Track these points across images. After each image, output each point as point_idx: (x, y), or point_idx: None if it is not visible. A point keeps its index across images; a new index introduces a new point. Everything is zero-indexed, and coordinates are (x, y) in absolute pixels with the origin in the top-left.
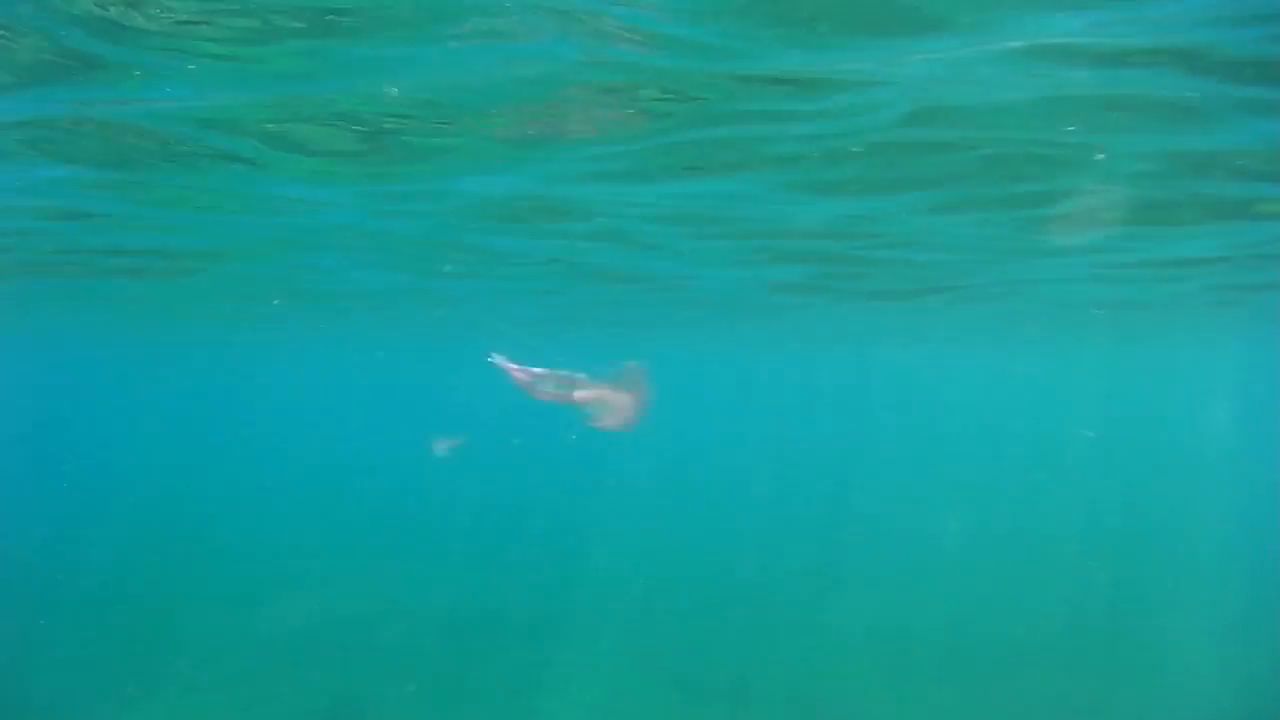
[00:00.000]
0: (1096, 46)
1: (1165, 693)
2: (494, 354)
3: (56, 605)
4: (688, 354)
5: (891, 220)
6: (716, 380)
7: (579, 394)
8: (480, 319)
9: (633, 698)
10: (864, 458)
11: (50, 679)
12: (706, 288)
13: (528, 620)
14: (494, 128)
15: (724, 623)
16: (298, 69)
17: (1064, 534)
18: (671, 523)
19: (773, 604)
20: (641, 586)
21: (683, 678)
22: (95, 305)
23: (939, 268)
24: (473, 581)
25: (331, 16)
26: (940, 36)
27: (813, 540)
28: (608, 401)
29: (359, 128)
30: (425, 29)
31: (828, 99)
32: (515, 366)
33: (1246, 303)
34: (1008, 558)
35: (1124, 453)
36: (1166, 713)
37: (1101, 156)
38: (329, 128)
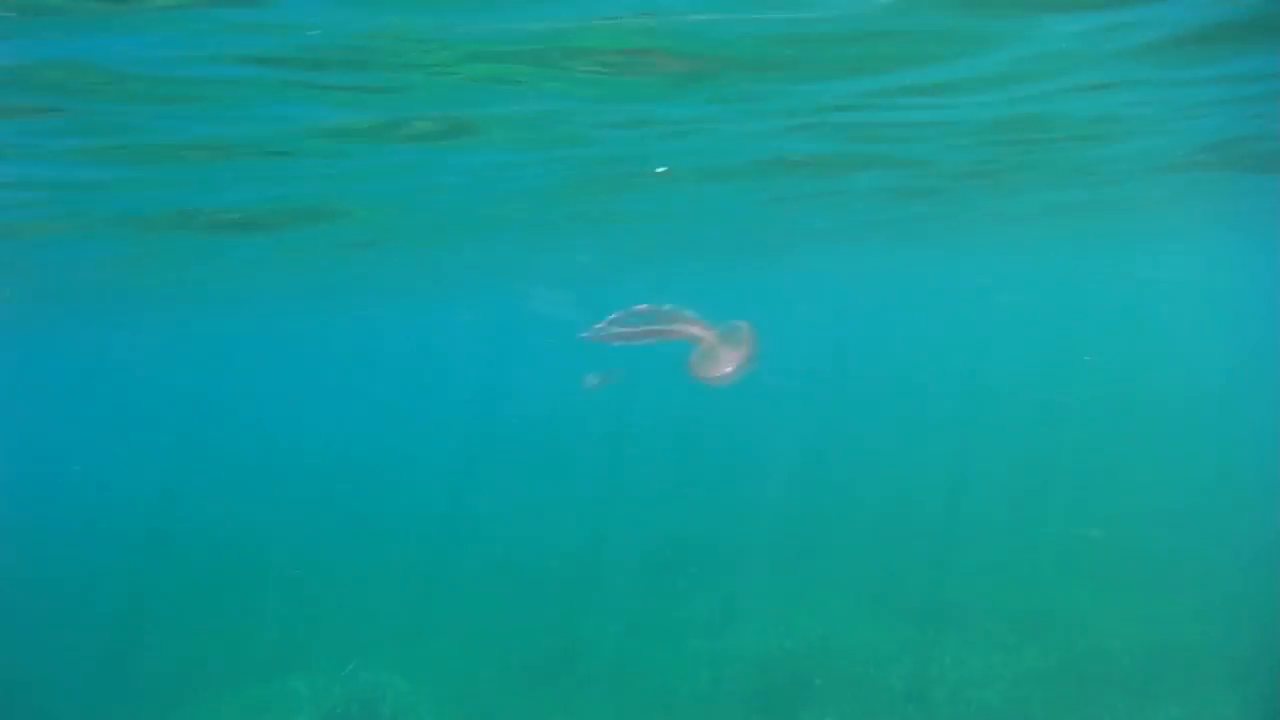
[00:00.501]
0: None
1: None
2: (585, 331)
3: (288, 558)
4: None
5: None
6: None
7: (687, 328)
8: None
9: (840, 620)
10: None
11: (300, 624)
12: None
13: (722, 550)
14: None
15: (913, 542)
16: None
17: None
18: (840, 445)
19: (957, 518)
20: (826, 509)
21: (883, 597)
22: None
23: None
24: (665, 515)
25: None
26: None
27: (985, 453)
28: (713, 346)
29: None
30: None
31: None
32: (607, 323)
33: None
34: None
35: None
36: None
37: None
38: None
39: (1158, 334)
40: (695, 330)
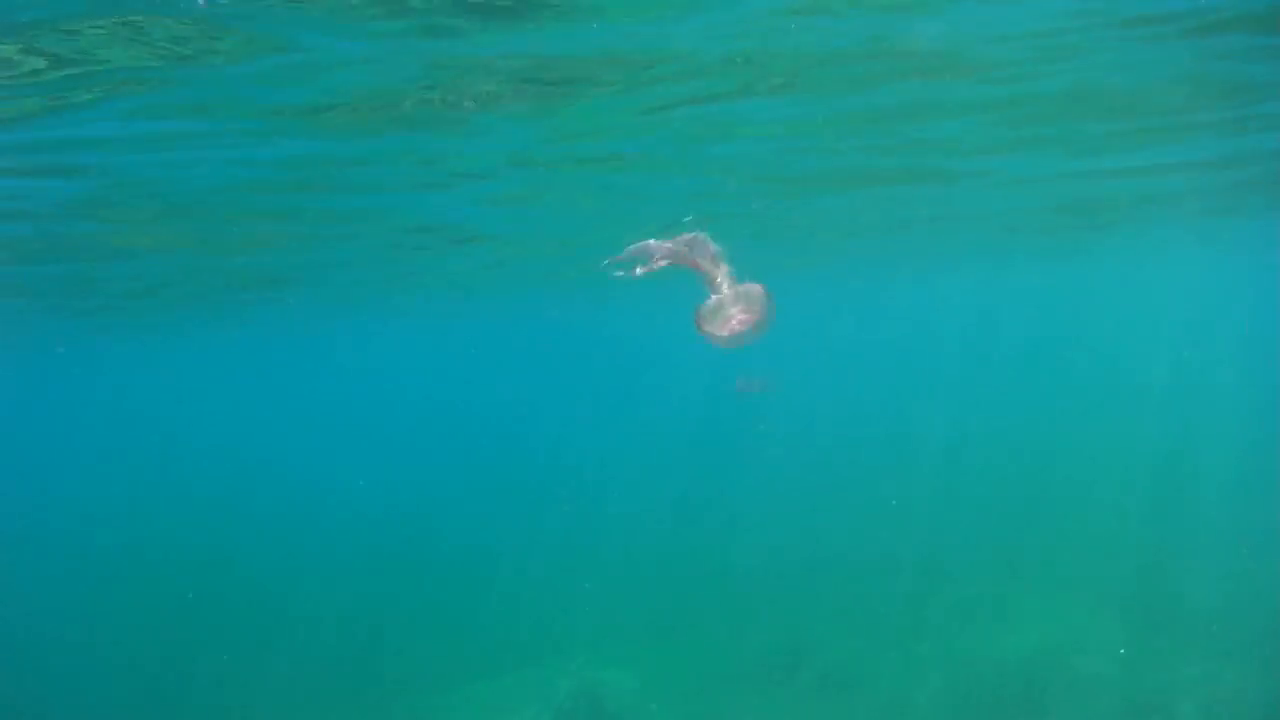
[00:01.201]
0: None
1: None
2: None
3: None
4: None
5: None
6: None
7: (712, 269)
8: None
9: (1076, 625)
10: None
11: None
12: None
13: (953, 553)
14: None
15: (1145, 544)
16: None
17: None
18: (1064, 448)
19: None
20: (1056, 510)
21: (1120, 601)
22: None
23: None
24: (896, 518)
25: None
26: None
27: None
28: (725, 302)
29: None
30: None
31: None
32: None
33: None
34: None
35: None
36: None
37: None
38: None
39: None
40: (718, 276)
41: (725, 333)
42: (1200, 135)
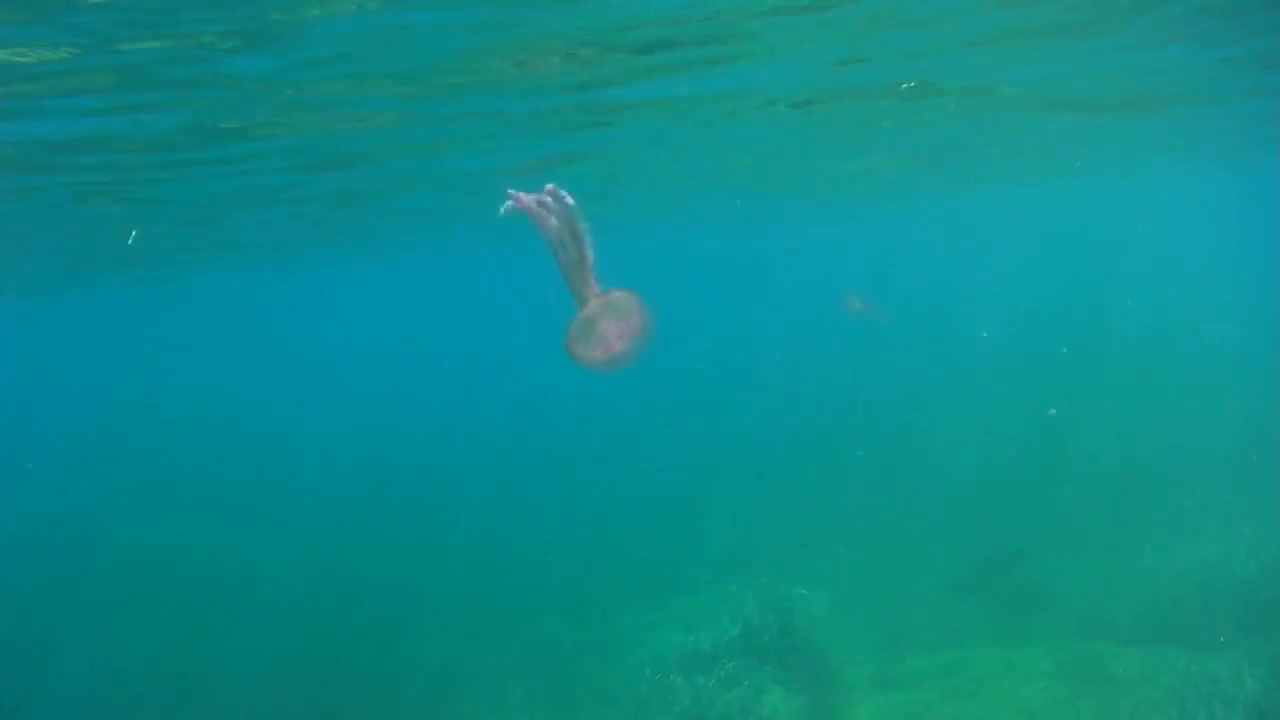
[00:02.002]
0: None
1: None
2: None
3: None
4: None
5: None
6: None
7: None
8: None
9: None
10: None
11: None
12: None
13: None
14: None
15: None
16: None
17: None
18: None
19: None
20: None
21: None
22: None
23: None
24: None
25: None
26: None
27: None
28: (595, 315)
29: None
30: None
31: None
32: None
33: None
34: None
35: None
36: None
37: None
38: None
39: None
40: (581, 267)
41: (601, 355)
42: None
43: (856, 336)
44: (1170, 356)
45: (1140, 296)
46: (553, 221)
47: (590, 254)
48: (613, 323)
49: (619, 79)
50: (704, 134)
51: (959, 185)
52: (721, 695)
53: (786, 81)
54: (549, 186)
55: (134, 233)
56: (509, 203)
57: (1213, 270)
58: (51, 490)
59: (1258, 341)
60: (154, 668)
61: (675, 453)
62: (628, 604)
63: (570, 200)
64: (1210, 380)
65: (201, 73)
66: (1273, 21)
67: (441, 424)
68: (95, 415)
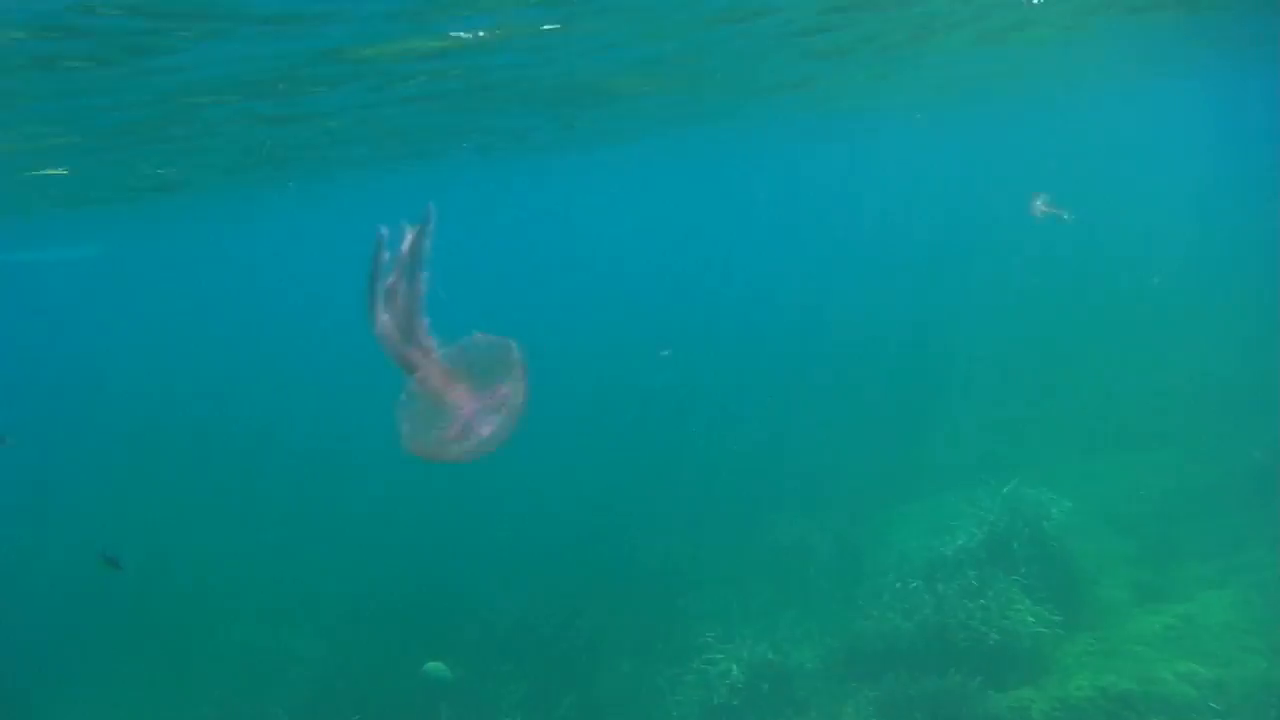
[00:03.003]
0: None
1: None
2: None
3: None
4: None
5: None
6: None
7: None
8: None
9: None
10: None
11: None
12: None
13: None
14: None
15: None
16: None
17: None
18: None
19: None
20: None
21: None
22: None
23: None
24: None
25: None
26: None
27: None
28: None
29: None
30: None
31: None
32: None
33: None
34: None
35: None
36: None
37: None
38: None
39: None
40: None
41: (456, 445)
42: None
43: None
44: None
45: None
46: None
47: (422, 291)
48: (469, 393)
49: None
50: None
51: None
52: (964, 604)
53: None
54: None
55: None
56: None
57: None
58: None
59: None
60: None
61: (919, 352)
62: (870, 507)
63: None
64: None
65: None
66: None
67: (673, 323)
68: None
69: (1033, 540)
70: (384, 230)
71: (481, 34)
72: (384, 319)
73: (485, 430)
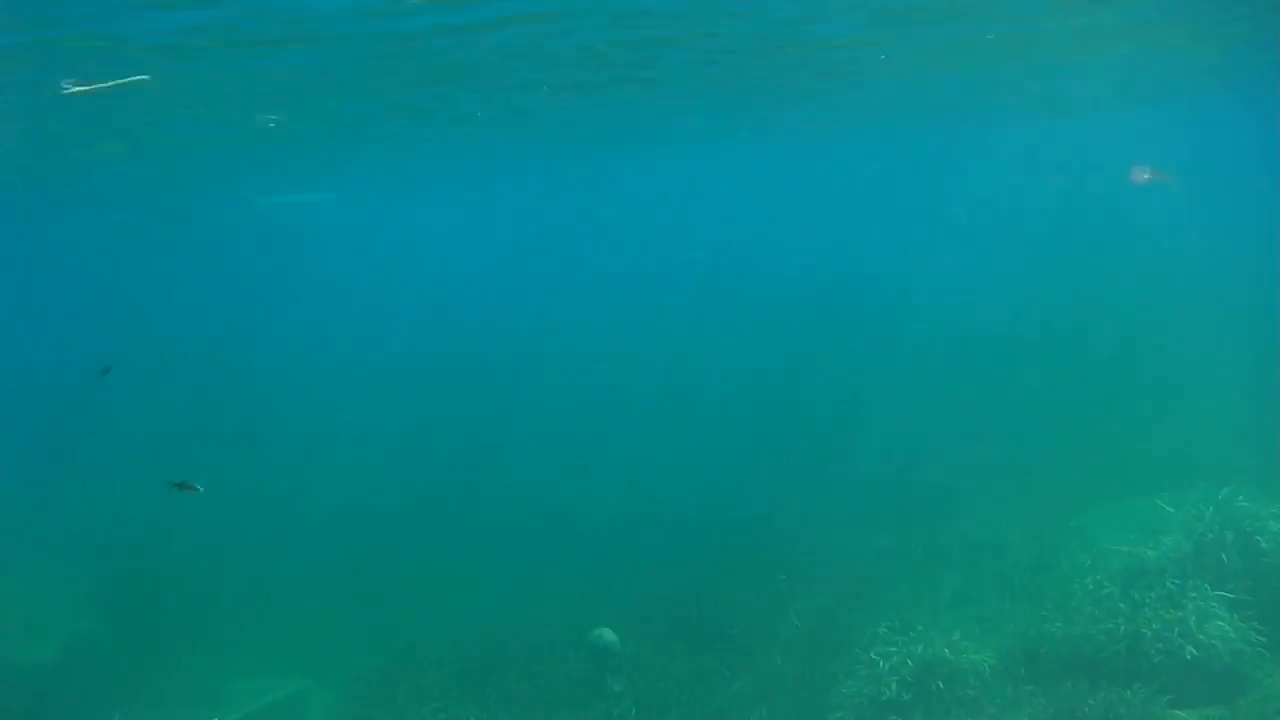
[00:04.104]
0: None
1: None
2: None
3: None
4: None
5: None
6: None
7: None
8: None
9: None
10: None
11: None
12: None
13: None
14: None
15: None
16: None
17: None
18: None
19: None
20: None
21: None
22: None
23: None
24: None
25: None
26: None
27: None
28: None
29: None
30: None
31: None
32: None
33: None
34: None
35: None
36: None
37: None
38: None
39: None
40: None
41: None
42: None
43: None
44: None
45: None
46: None
47: None
48: None
49: None
50: None
51: None
52: (1160, 615)
53: None
54: None
55: None
56: None
57: None
58: None
59: None
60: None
61: (1122, 347)
62: (1070, 505)
63: None
64: None
65: None
66: None
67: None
68: None
69: (1244, 553)
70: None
71: None
72: None
73: None
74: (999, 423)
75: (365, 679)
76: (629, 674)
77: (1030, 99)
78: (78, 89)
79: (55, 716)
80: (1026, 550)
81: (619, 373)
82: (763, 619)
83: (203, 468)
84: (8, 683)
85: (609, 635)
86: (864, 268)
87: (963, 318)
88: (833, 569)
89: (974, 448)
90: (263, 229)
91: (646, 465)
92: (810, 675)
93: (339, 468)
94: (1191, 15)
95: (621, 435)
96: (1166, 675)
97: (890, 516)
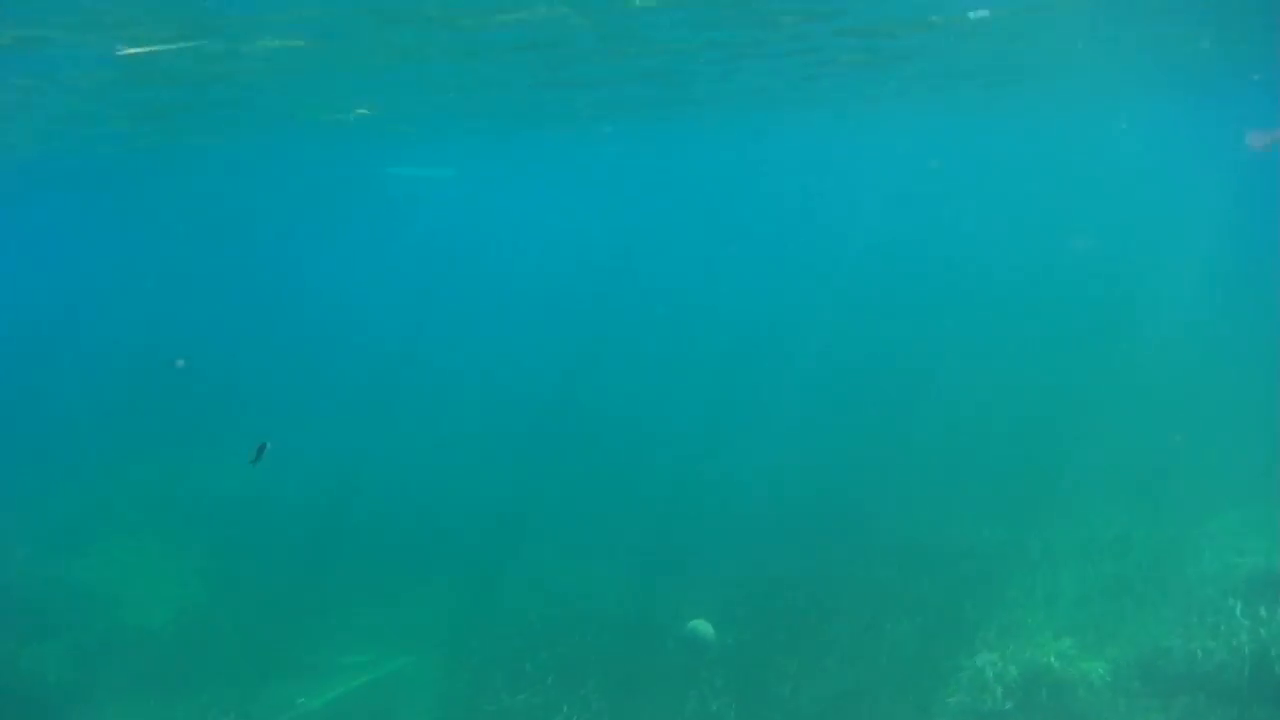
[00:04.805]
0: None
1: None
2: None
3: None
4: None
5: None
6: None
7: None
8: None
9: None
10: None
11: None
12: None
13: None
14: None
15: None
16: None
17: None
18: None
19: None
20: None
21: None
22: None
23: None
24: None
25: None
26: None
27: None
28: None
29: None
30: None
31: None
32: None
33: None
34: None
35: None
36: None
37: None
38: None
39: None
40: None
41: None
42: None
43: None
44: None
45: None
46: None
47: None
48: None
49: None
50: None
51: None
52: None
53: None
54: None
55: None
56: None
57: None
58: None
59: None
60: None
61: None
62: (1201, 507)
63: None
64: None
65: None
66: None
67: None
68: None
69: None
70: None
71: None
72: None
73: None
74: (1134, 413)
75: (465, 662)
76: (727, 667)
77: None
78: None
79: (167, 683)
80: (1150, 552)
81: (731, 356)
82: (868, 615)
83: (322, 439)
84: (127, 646)
85: (705, 628)
86: (998, 255)
87: (1108, 300)
88: (944, 563)
89: (1103, 439)
90: (384, 201)
91: (756, 450)
92: (915, 677)
93: (458, 444)
94: None
95: (732, 420)
96: None
97: (1008, 509)
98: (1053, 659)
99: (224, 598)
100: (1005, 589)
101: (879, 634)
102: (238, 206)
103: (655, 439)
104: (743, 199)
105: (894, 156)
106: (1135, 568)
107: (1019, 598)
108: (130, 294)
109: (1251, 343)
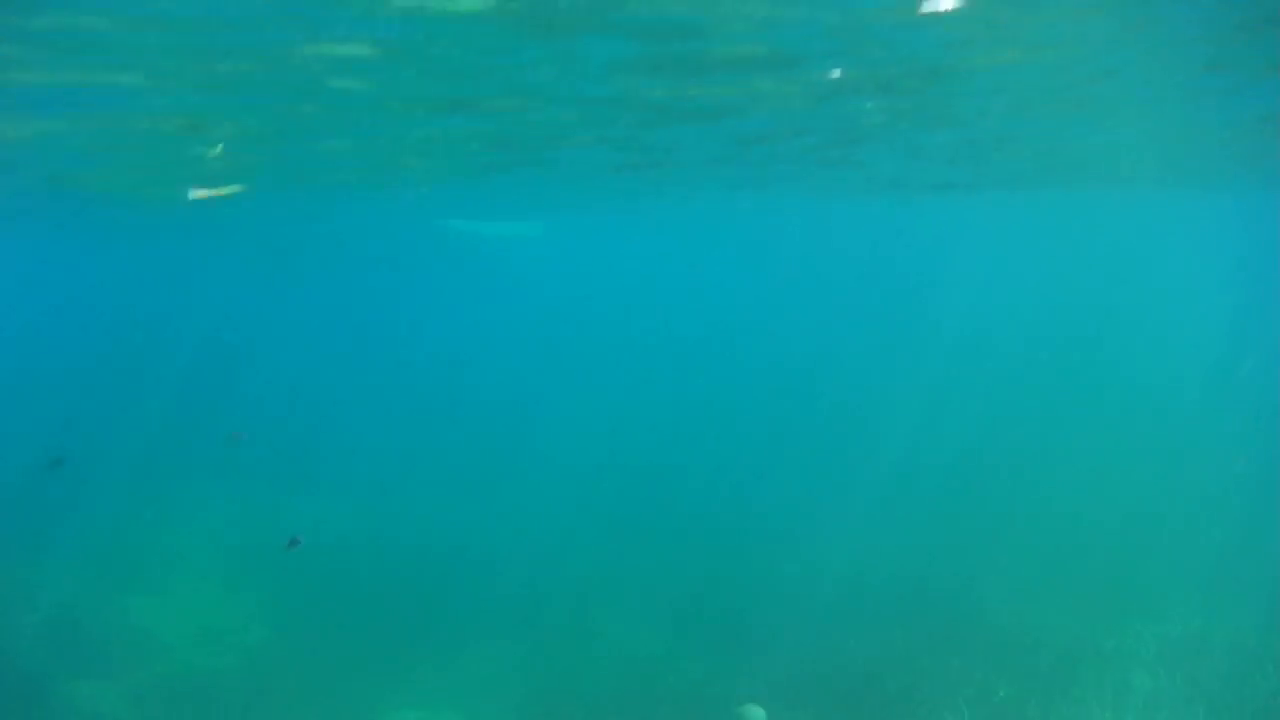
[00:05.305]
0: None
1: None
2: None
3: None
4: None
5: None
6: None
7: None
8: None
9: None
10: None
11: None
12: None
13: None
14: None
15: None
16: None
17: None
18: None
19: None
20: None
21: None
22: None
23: None
24: None
25: None
26: None
27: None
28: None
29: None
30: None
31: None
32: None
33: None
34: None
35: None
36: None
37: None
38: None
39: None
40: None
41: None
42: None
43: None
44: None
45: None
46: None
47: None
48: None
49: None
50: None
51: None
52: None
53: None
54: None
55: None
56: None
57: None
58: None
59: None
60: None
61: None
62: None
63: None
64: None
65: None
66: None
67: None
68: None
69: None
70: None
71: None
72: None
73: None
74: (1218, 509)
75: None
76: None
77: None
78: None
79: None
80: (1229, 655)
81: (824, 433)
82: (930, 703)
83: (390, 488)
84: (184, 687)
85: (757, 713)
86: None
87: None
88: (1010, 653)
89: (1192, 531)
90: (470, 258)
91: (836, 532)
92: None
93: (522, 498)
94: None
95: (816, 499)
96: None
97: (1083, 601)
98: None
99: (284, 644)
100: (1074, 684)
101: None
102: (320, 259)
103: (737, 512)
104: (842, 275)
105: (1003, 241)
106: (1211, 672)
107: (1089, 693)
108: (212, 339)
109: None
